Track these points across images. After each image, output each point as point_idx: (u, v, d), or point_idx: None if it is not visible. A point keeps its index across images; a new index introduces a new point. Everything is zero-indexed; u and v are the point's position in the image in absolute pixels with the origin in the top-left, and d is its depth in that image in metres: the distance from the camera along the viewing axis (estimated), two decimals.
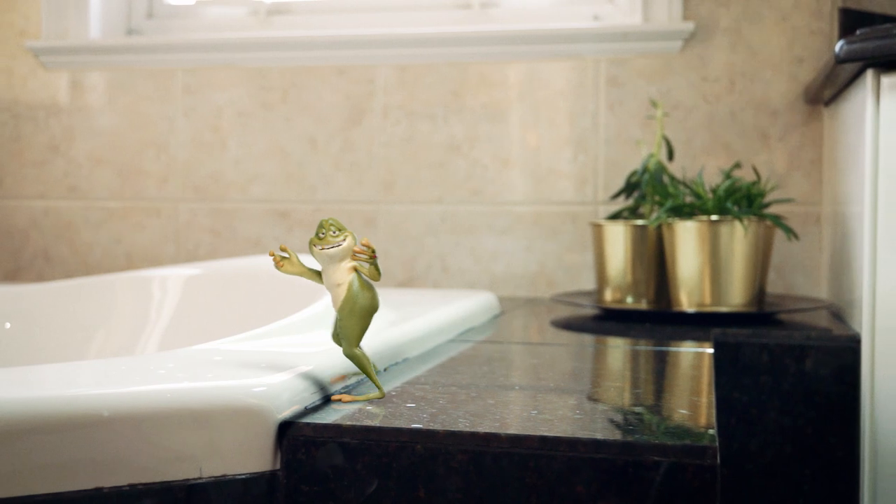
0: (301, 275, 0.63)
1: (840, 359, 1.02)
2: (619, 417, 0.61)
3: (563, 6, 1.57)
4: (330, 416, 0.58)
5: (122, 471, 0.52)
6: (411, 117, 1.55)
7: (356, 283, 0.62)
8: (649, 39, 1.46)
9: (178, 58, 1.63)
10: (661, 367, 0.86)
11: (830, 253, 1.31)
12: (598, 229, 1.23)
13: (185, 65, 1.63)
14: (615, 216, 1.27)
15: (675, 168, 1.40)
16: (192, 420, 0.54)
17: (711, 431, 0.56)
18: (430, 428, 0.56)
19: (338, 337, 0.63)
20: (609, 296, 1.22)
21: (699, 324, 1.11)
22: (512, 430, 0.55)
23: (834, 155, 1.29)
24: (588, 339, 1.03)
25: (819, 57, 1.40)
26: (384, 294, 1.10)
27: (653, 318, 1.17)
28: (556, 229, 1.50)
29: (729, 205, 1.14)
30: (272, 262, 0.63)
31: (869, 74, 0.98)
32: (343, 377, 0.66)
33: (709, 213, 1.14)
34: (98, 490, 0.52)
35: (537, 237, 1.50)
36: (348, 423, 0.57)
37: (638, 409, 0.64)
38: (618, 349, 0.99)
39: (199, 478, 0.54)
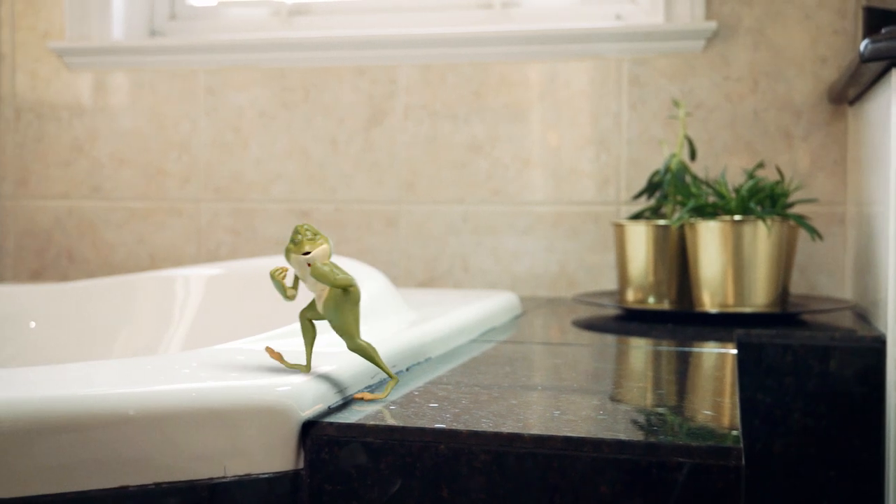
0: (279, 285, 0.63)
1: (864, 360, 1.01)
2: (642, 418, 0.61)
3: (584, 6, 1.56)
4: (353, 416, 0.58)
5: (148, 469, 0.53)
6: (432, 117, 1.55)
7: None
8: (672, 39, 1.45)
9: (200, 58, 1.64)
10: (683, 367, 0.86)
11: (854, 253, 1.30)
12: (620, 229, 1.22)
13: (207, 65, 1.64)
14: (637, 216, 1.27)
15: (697, 168, 1.39)
16: (217, 419, 0.54)
17: (735, 433, 0.56)
18: (454, 428, 0.55)
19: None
20: (631, 296, 1.22)
21: (722, 324, 1.10)
22: (535, 431, 0.55)
23: (858, 154, 1.28)
24: (610, 339, 1.03)
25: (843, 56, 1.39)
26: (406, 294, 1.10)
27: (675, 318, 1.17)
28: (577, 229, 1.49)
29: (752, 205, 1.13)
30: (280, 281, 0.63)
31: (894, 73, 0.97)
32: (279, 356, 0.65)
33: (732, 213, 1.14)
34: (124, 488, 0.52)
35: (558, 237, 1.50)
36: (371, 422, 0.57)
37: (661, 410, 0.64)
38: (640, 349, 0.98)
39: (224, 477, 0.54)
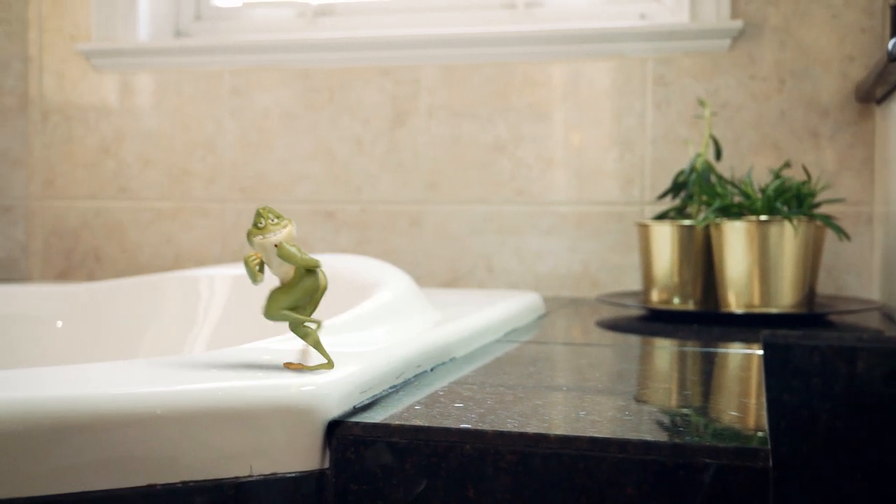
0: (252, 270, 0.62)
1: (892, 361, 1.00)
2: (667, 419, 0.61)
3: (608, 5, 1.56)
4: (378, 416, 0.58)
5: (174, 468, 0.53)
6: (456, 117, 1.55)
7: (303, 269, 0.62)
8: (697, 38, 1.44)
9: (225, 59, 1.65)
10: (709, 368, 0.85)
11: (882, 253, 1.29)
12: (644, 229, 1.22)
13: (232, 66, 1.65)
14: (662, 216, 1.26)
15: (722, 168, 1.38)
16: (243, 419, 0.54)
17: (762, 434, 0.55)
18: (479, 428, 0.55)
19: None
20: (655, 296, 1.21)
21: (748, 325, 1.09)
22: (561, 431, 0.55)
23: (886, 154, 1.27)
24: (634, 339, 1.03)
25: (870, 55, 1.38)
26: (430, 294, 1.10)
27: (700, 318, 1.16)
28: (600, 229, 1.49)
29: (778, 205, 1.12)
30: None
31: None
32: (301, 366, 0.65)
33: (758, 213, 1.13)
34: (151, 487, 0.52)
35: (582, 237, 1.49)
36: (397, 422, 0.57)
37: (687, 411, 0.63)
38: (664, 350, 0.98)
39: (250, 476, 0.54)
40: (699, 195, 1.22)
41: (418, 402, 0.64)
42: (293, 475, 0.56)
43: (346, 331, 0.80)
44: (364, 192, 1.59)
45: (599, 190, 1.49)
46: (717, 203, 1.16)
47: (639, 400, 0.67)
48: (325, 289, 0.63)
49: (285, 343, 0.72)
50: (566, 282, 1.50)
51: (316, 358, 0.64)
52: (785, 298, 1.11)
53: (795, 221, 1.09)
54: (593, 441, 0.53)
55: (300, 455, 0.56)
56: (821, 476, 1.03)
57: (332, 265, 1.14)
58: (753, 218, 1.12)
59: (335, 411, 0.58)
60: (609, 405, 0.64)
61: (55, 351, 1.19)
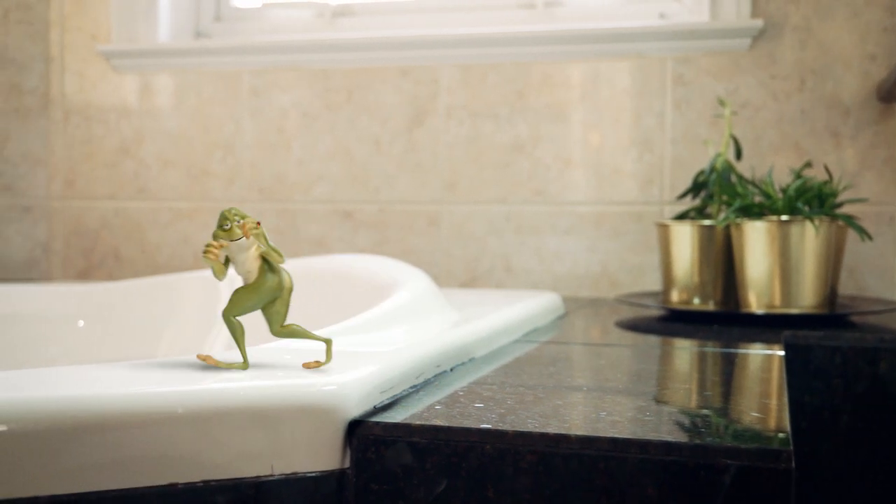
0: (214, 265, 0.62)
1: None
2: (688, 420, 0.60)
3: (628, 5, 1.55)
4: (399, 416, 0.58)
5: (195, 467, 0.53)
6: (475, 118, 1.55)
7: (266, 269, 0.62)
8: (717, 37, 1.44)
9: (244, 60, 1.65)
10: (729, 369, 0.85)
11: None
12: (664, 229, 1.22)
13: (251, 67, 1.65)
14: (682, 216, 1.26)
15: (743, 167, 1.37)
16: (263, 418, 0.55)
17: (783, 435, 0.55)
18: (500, 428, 0.55)
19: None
20: (675, 297, 1.21)
21: (768, 325, 1.09)
22: (581, 432, 0.55)
23: None
24: (654, 340, 1.02)
25: (892, 54, 1.37)
26: (448, 295, 1.10)
27: (720, 319, 1.16)
28: (619, 229, 1.48)
29: (800, 205, 1.12)
30: (207, 253, 0.62)
31: None
32: (317, 363, 0.65)
33: (779, 213, 1.12)
34: (172, 486, 0.52)
35: (601, 237, 1.49)
36: (418, 422, 0.57)
37: (707, 412, 0.63)
38: (684, 351, 0.97)
39: (271, 475, 0.55)
40: (719, 195, 1.21)
41: (438, 402, 0.63)
42: (314, 475, 0.56)
43: (366, 331, 0.80)
44: (382, 192, 1.59)
45: (618, 190, 1.49)
46: (737, 203, 1.16)
47: (659, 401, 0.67)
48: (290, 289, 0.63)
49: (305, 343, 0.72)
50: (585, 282, 1.50)
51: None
52: (806, 299, 1.10)
53: (817, 221, 1.09)
54: (614, 442, 0.53)
55: (321, 455, 0.56)
56: (842, 477, 1.03)
57: (351, 265, 1.14)
58: (774, 218, 1.11)
59: (356, 411, 0.58)
60: (629, 406, 0.64)
61: (76, 350, 1.20)
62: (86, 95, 1.74)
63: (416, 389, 0.67)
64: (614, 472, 0.53)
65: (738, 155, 1.26)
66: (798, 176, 1.17)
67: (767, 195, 1.16)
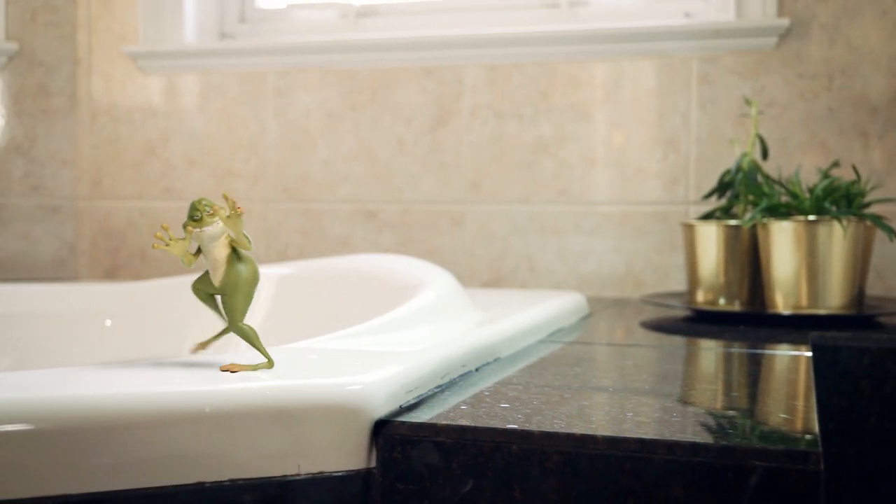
0: (180, 255, 0.62)
1: None
2: (715, 421, 0.60)
3: (652, 4, 1.55)
4: (424, 415, 0.58)
5: (223, 466, 0.53)
6: (499, 117, 1.55)
7: (235, 259, 0.62)
8: (743, 36, 1.43)
9: (269, 61, 1.66)
10: (756, 370, 0.84)
11: None
12: (689, 230, 1.21)
13: (276, 67, 1.66)
14: (707, 216, 1.25)
15: (769, 167, 1.36)
16: (290, 418, 0.55)
17: (811, 436, 0.54)
18: (526, 428, 0.55)
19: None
20: (701, 297, 1.20)
21: (795, 326, 1.08)
22: (607, 432, 0.54)
23: None
24: (679, 340, 1.02)
25: None
26: (473, 294, 1.10)
27: (746, 320, 1.15)
28: (643, 229, 1.48)
29: (827, 205, 1.11)
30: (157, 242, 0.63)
31: None
32: (205, 345, 0.65)
33: (806, 213, 1.11)
34: (200, 484, 0.53)
35: (625, 237, 1.49)
36: (443, 422, 0.57)
37: (734, 413, 0.63)
38: (710, 351, 0.97)
39: (298, 474, 0.55)
40: (745, 195, 1.20)
41: (464, 402, 0.63)
42: (340, 474, 0.56)
43: (391, 331, 0.80)
44: (406, 192, 1.59)
45: (643, 190, 1.48)
46: (764, 203, 1.15)
47: (685, 401, 0.66)
48: (256, 280, 0.62)
49: (331, 342, 0.73)
50: (610, 282, 1.49)
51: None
52: (833, 300, 1.09)
53: (844, 222, 1.08)
54: (641, 442, 0.53)
55: (347, 454, 0.56)
56: (870, 478, 1.02)
57: (376, 265, 1.15)
58: (801, 218, 1.10)
59: (382, 411, 0.58)
60: (655, 406, 0.64)
61: (103, 349, 1.21)
62: (112, 96, 1.75)
63: (442, 389, 0.67)
64: (641, 473, 0.53)
65: (765, 154, 1.25)
66: (825, 176, 1.16)
67: (794, 195, 1.15)
